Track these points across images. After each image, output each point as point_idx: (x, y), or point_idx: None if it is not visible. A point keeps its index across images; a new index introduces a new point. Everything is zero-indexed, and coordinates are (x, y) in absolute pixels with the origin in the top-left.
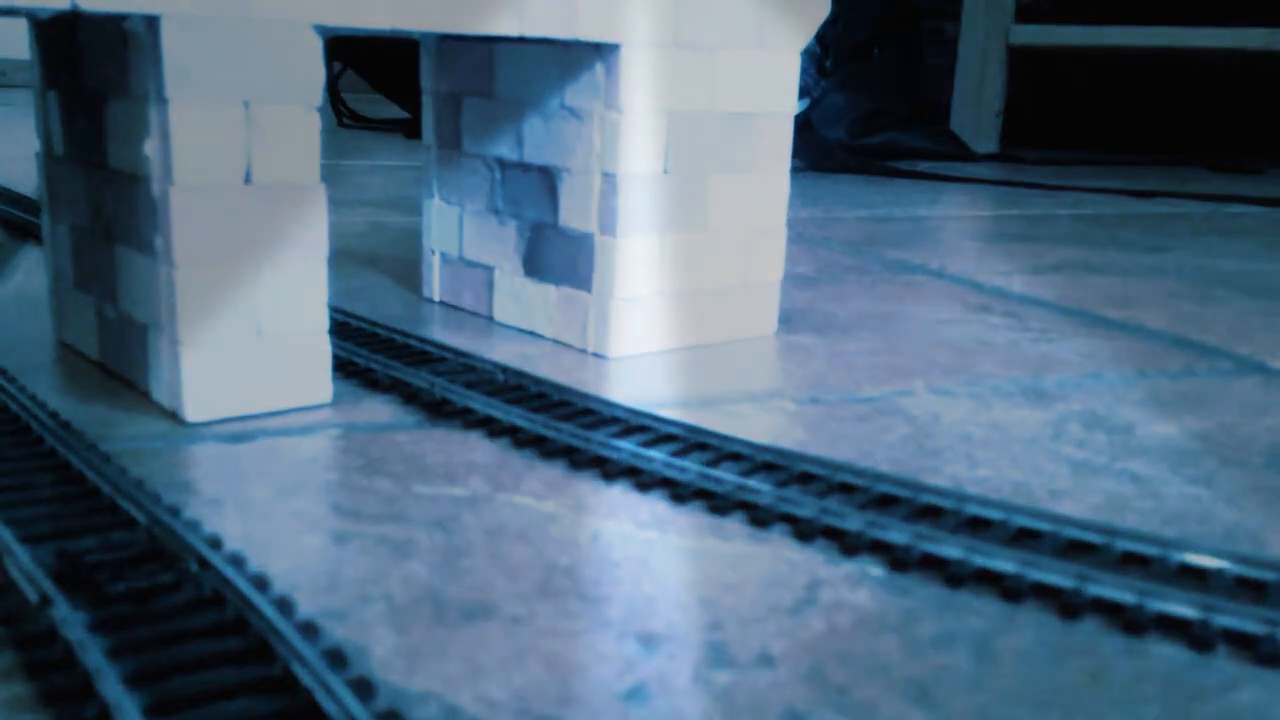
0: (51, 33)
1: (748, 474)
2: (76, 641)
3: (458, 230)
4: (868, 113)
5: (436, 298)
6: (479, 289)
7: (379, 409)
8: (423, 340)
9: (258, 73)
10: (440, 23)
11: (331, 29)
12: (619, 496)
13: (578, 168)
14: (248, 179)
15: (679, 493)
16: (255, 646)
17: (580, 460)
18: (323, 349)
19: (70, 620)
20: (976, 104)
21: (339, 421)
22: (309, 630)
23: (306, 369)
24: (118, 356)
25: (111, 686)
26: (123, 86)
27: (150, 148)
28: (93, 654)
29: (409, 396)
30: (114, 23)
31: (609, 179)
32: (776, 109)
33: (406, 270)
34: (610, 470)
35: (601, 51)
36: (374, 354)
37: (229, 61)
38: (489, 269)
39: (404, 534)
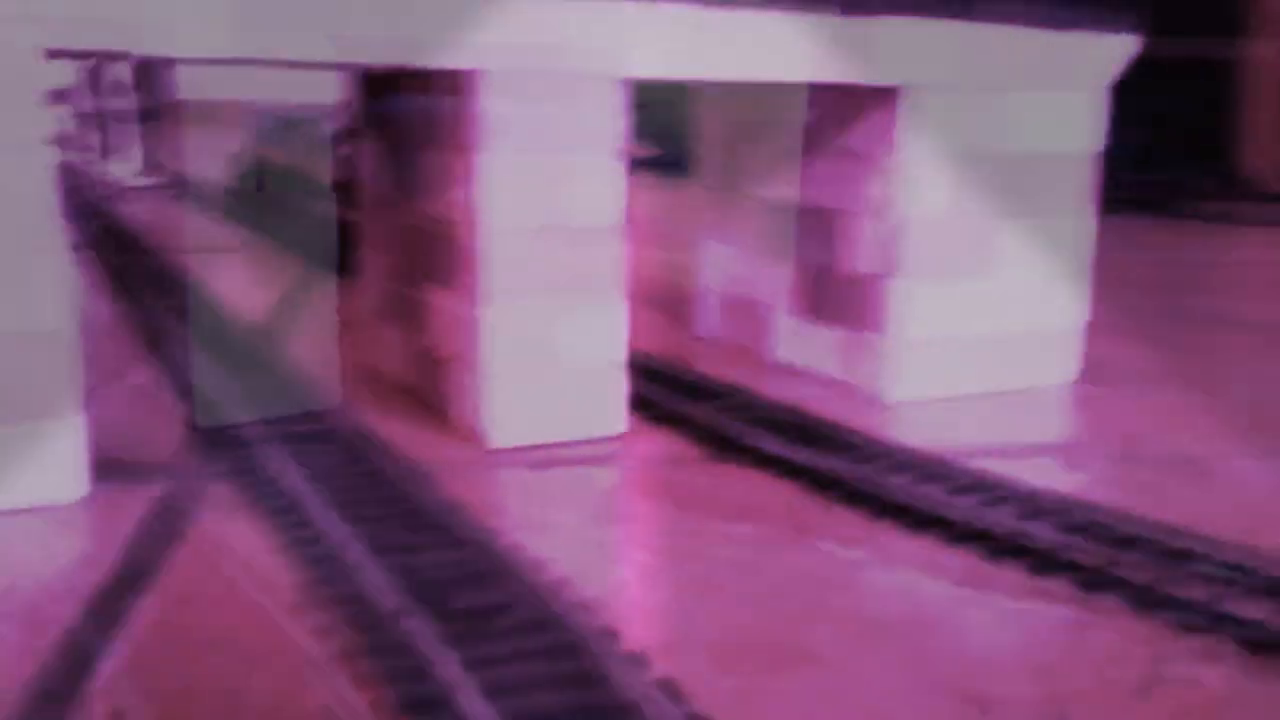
0: (372, 83)
1: (1067, 532)
2: (431, 654)
3: (734, 269)
4: (1142, 146)
5: (709, 335)
6: (756, 327)
7: (669, 443)
8: (705, 377)
9: (566, 123)
10: (733, 73)
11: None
12: (928, 548)
13: (862, 210)
14: (552, 222)
15: (994, 548)
16: (592, 671)
17: (881, 507)
18: (619, 382)
19: (422, 633)
20: (1274, 137)
21: (632, 453)
22: (639, 663)
23: (603, 401)
24: (423, 384)
25: (471, 699)
26: (439, 137)
27: (463, 194)
28: (450, 668)
29: (697, 431)
30: (438, 78)
31: (894, 222)
32: (1073, 149)
33: (676, 306)
34: (915, 519)
35: (888, 93)
36: (656, 387)
37: (542, 112)
38: (766, 307)
39: (713, 571)
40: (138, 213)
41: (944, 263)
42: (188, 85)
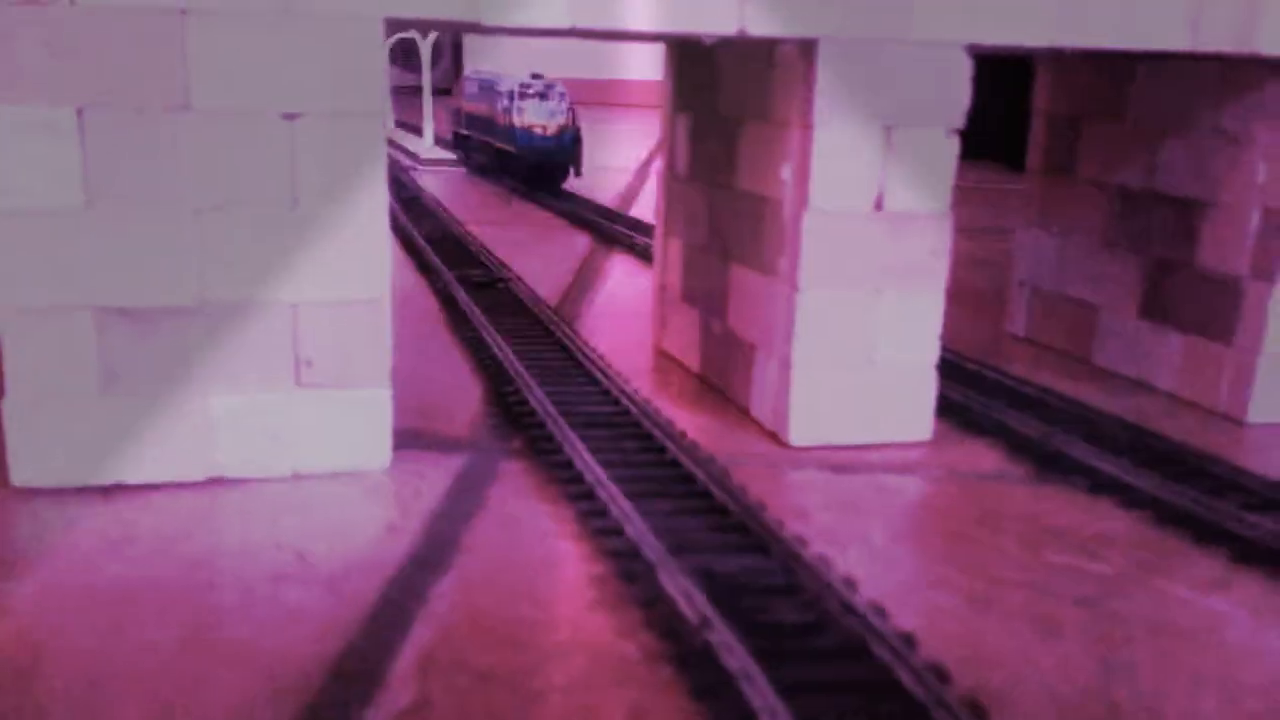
0: (688, 58)
1: None
2: (740, 671)
3: (1058, 262)
4: None
5: (1022, 334)
6: (1078, 329)
7: (982, 454)
8: (1022, 381)
9: (904, 97)
10: (1107, 39)
11: (984, 49)
12: None
13: (1230, 201)
14: (879, 205)
15: None
16: (916, 713)
17: (1246, 551)
18: (929, 384)
19: (731, 647)
20: None
21: (941, 462)
22: (976, 711)
23: (911, 403)
24: (720, 371)
25: None
26: (763, 111)
27: (787, 172)
28: (761, 690)
29: (1015, 443)
30: (763, 48)
31: (1276, 216)
32: None
33: (984, 302)
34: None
35: (1272, 66)
36: (968, 390)
37: (877, 85)
38: (1093, 308)
39: (1048, 608)
40: (432, 185)
41: None
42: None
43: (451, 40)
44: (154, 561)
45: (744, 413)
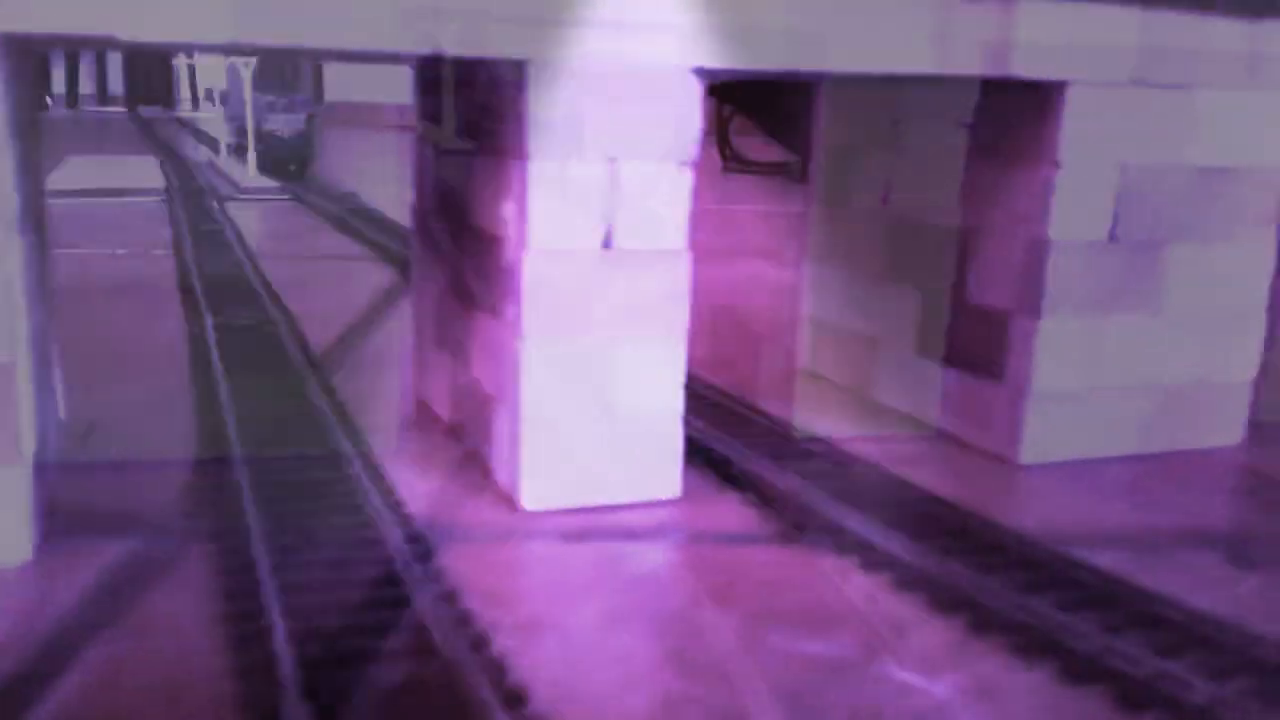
0: (431, 83)
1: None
2: None
3: (839, 294)
4: None
5: (809, 368)
6: (858, 364)
7: (733, 513)
8: (787, 425)
9: (628, 126)
10: (843, 62)
11: (717, 72)
12: (1041, 685)
13: (996, 229)
14: (607, 244)
15: (1128, 689)
16: None
17: (983, 619)
18: (674, 437)
19: None
20: None
21: (686, 524)
22: None
23: (656, 458)
24: (467, 425)
25: None
26: (489, 142)
27: (507, 208)
28: None
29: (768, 499)
30: (486, 71)
31: (1037, 245)
32: (1270, 163)
33: (776, 333)
34: (1023, 640)
35: (1040, 92)
36: (731, 438)
37: (598, 114)
38: (872, 341)
39: (749, 705)
40: (244, 219)
41: (1094, 297)
42: None
43: (313, 67)
44: None
45: (488, 473)
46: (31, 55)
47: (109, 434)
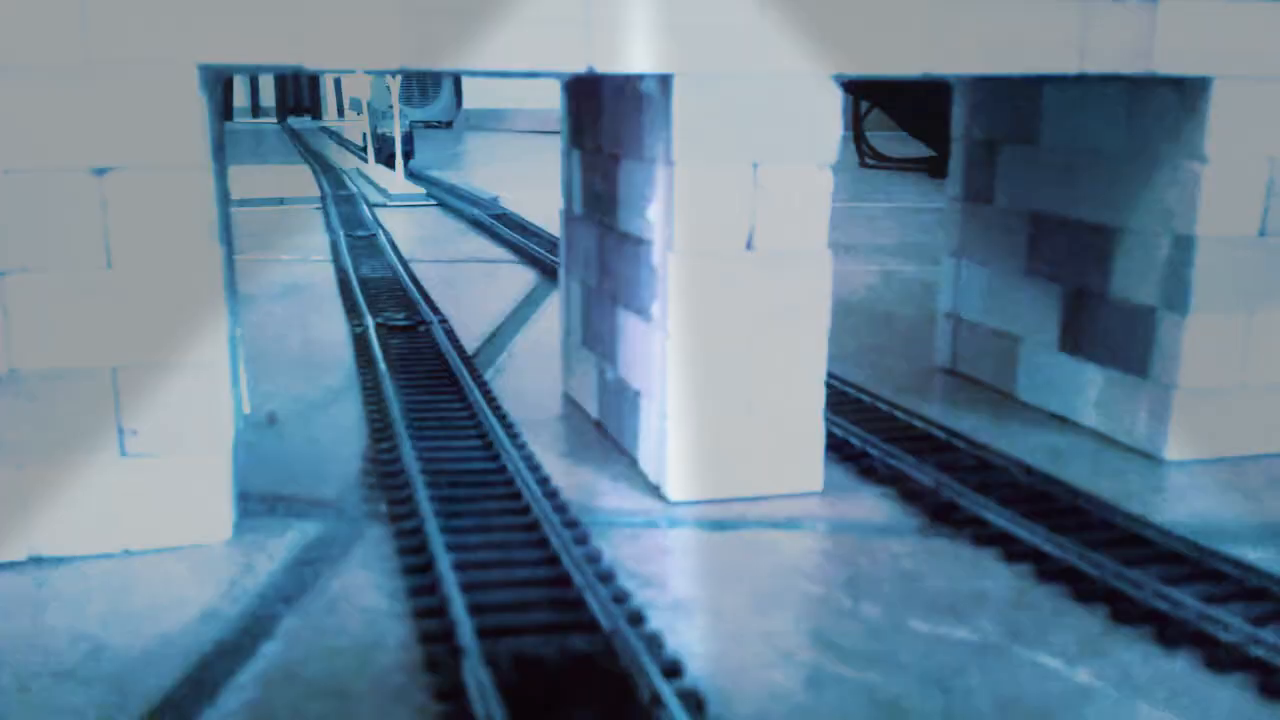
0: (577, 93)
1: None
2: None
3: (981, 291)
4: None
5: (949, 366)
6: (1001, 361)
7: (874, 505)
8: (929, 422)
9: (769, 131)
10: (980, 64)
11: (852, 77)
12: (1181, 673)
13: (1141, 227)
14: (750, 245)
15: (1271, 679)
16: None
17: (1125, 611)
18: (816, 432)
19: None
20: None
21: (827, 516)
22: None
23: (797, 453)
24: (613, 420)
25: None
26: (635, 149)
27: (654, 212)
28: None
29: (909, 493)
30: (632, 84)
31: (1183, 242)
32: None
33: (916, 331)
34: (1169, 632)
35: (1183, 88)
36: (871, 435)
37: (741, 120)
38: (1015, 339)
39: (893, 686)
40: (394, 224)
41: (1242, 295)
42: None
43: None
44: None
45: (634, 463)
46: (221, 79)
47: (288, 425)
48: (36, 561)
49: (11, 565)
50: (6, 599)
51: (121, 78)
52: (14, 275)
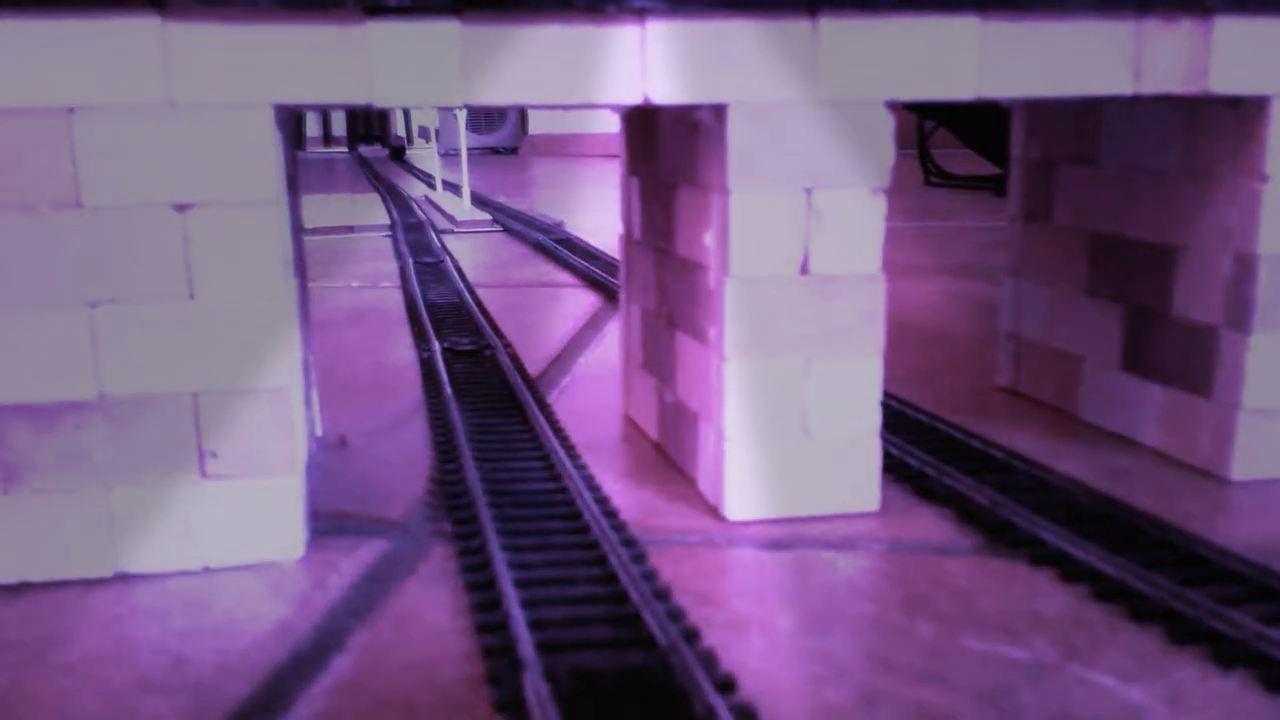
0: (635, 122)
1: None
2: None
3: (1041, 311)
4: None
5: (1011, 386)
6: (1062, 381)
7: (930, 525)
8: (988, 443)
9: (823, 158)
10: (1033, 88)
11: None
12: (1234, 693)
13: (1202, 245)
14: (804, 270)
15: None
16: None
17: (1182, 630)
18: (872, 452)
19: None
20: None
21: (884, 536)
22: None
23: (854, 473)
24: (672, 441)
25: None
26: (691, 175)
27: (710, 237)
28: None
29: (966, 514)
30: (688, 113)
31: (1245, 261)
32: None
33: (978, 350)
34: (1224, 651)
35: (1241, 106)
36: (929, 455)
37: (794, 147)
38: (1077, 359)
39: (946, 703)
40: (460, 250)
41: None
42: None
43: None
44: (23, 668)
45: (692, 484)
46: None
47: (357, 446)
48: (122, 578)
49: (99, 582)
50: (94, 614)
51: (201, 118)
52: (104, 306)
